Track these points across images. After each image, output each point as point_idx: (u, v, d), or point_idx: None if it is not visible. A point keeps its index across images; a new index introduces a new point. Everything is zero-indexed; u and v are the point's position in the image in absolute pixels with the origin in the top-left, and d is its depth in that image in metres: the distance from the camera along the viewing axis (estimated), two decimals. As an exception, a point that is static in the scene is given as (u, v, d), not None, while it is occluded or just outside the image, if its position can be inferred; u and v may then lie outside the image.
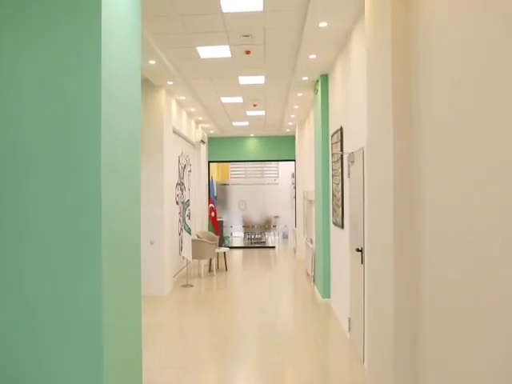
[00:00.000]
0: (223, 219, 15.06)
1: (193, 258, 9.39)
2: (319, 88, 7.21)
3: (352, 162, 5.00)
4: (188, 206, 8.58)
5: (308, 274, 9.11)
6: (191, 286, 8.50)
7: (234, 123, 12.15)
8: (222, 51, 6.15)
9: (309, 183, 9.68)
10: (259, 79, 7.73)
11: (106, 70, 2.64)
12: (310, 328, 5.89)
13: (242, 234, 15.84)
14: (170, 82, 7.41)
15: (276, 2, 4.68)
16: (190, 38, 5.64)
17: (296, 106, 9.61)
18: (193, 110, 9.84)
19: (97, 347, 2.54)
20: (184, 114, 9.80)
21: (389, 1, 2.94)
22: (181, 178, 9.23)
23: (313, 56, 6.09)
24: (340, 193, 5.83)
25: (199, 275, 9.44)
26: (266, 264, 11.78)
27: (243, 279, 9.57)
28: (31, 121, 2.58)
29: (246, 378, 4.58)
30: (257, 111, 10.56)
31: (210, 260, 9.95)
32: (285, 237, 16.39)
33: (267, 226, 15.66)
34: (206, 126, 12.12)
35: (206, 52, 6.18)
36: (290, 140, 13.76)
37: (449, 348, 2.30)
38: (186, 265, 8.86)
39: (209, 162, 14.31)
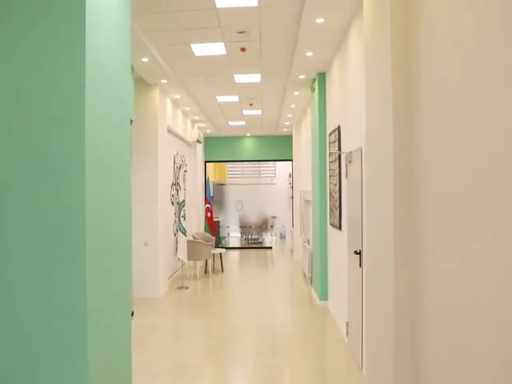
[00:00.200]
0: (220, 219, 14.91)
1: (188, 259, 9.23)
2: (316, 86, 7.06)
3: (350, 161, 4.86)
4: (183, 206, 8.42)
5: (305, 276, 8.97)
6: (186, 287, 8.34)
7: (231, 123, 12.00)
8: (216, 48, 6.00)
9: (306, 183, 9.53)
10: (255, 77, 7.58)
11: (92, 61, 2.49)
12: (307, 332, 5.75)
13: (239, 235, 15.69)
14: (164, 81, 7.26)
15: (271, -4, 4.54)
16: (183, 35, 5.49)
17: (293, 105, 9.46)
18: (188, 109, 9.68)
19: (81, 348, 2.40)
20: (179, 113, 9.65)
21: (388, -7, 2.80)
22: (176, 178, 9.08)
23: (310, 53, 5.94)
24: (337, 193, 5.68)
25: (195, 276, 9.28)
26: (262, 265, 11.63)
27: (239, 281, 9.42)
28: (8, 113, 2.42)
29: (241, 385, 4.44)
30: (253, 110, 10.41)
31: (206, 261, 9.80)
32: (282, 237, 16.25)
33: (264, 226, 15.51)
34: (203, 125, 11.96)
35: (200, 49, 6.03)
36: (287, 140, 13.60)
37: (449, 349, 2.23)
38: (181, 266, 8.70)
39: (205, 161, 14.17)
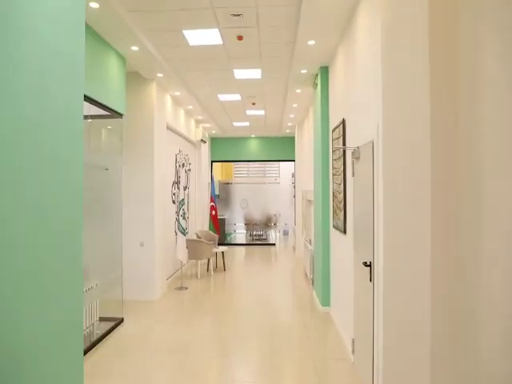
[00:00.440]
0: (226, 217, 13.90)
1: (190, 258, 8.22)
2: (319, 82, 5.99)
3: (357, 158, 3.79)
4: (182, 205, 7.38)
5: (306, 275, 7.91)
6: (186, 288, 7.32)
7: (235, 123, 10.97)
8: (211, 36, 4.96)
9: (308, 183, 8.46)
10: (255, 73, 6.53)
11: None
12: (308, 346, 4.68)
13: (245, 231, 14.69)
14: (161, 75, 6.22)
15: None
16: (173, 18, 4.45)
17: (295, 105, 8.39)
18: (190, 107, 8.64)
19: None
20: (181, 111, 8.61)
21: None
22: (178, 176, 8.04)
23: (312, 42, 4.87)
24: (342, 194, 4.62)
25: (196, 276, 8.26)
26: (265, 262, 10.57)
27: (241, 280, 8.37)
28: None
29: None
30: (256, 110, 9.36)
31: (208, 260, 8.76)
32: (285, 233, 15.26)
33: (268, 223, 14.48)
34: (208, 125, 10.93)
35: (194, 37, 4.99)
36: (289, 141, 12.58)
37: None
38: (181, 267, 7.67)
39: (212, 161, 13.17)
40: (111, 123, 5.53)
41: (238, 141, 13.11)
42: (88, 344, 4.55)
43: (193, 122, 9.86)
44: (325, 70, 5.84)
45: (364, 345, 3.59)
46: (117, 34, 4.71)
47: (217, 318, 5.85)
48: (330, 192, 5.61)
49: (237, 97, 8.02)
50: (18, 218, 1.84)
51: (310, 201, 7.82)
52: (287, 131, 11.95)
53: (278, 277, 8.62)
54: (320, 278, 5.88)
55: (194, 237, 9.44)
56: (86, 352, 4.45)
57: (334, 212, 5.15)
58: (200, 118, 9.82)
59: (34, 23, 1.96)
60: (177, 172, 8.13)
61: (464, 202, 1.69)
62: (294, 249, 11.46)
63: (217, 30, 4.76)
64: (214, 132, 12.01)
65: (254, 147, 13.17)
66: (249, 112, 9.53)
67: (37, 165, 1.99)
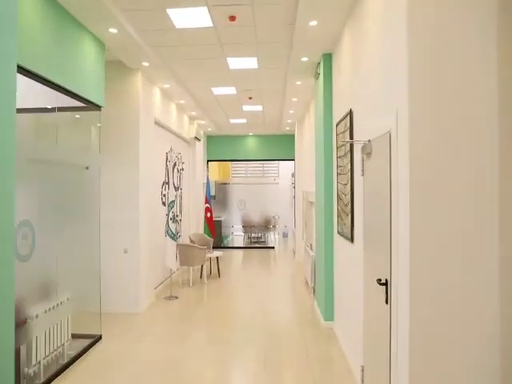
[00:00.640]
0: (223, 219, 13.30)
1: (181, 264, 7.62)
2: (321, 71, 5.40)
3: (368, 153, 3.19)
4: (172, 207, 6.79)
5: (307, 282, 7.32)
6: (176, 297, 6.72)
7: (232, 120, 10.38)
8: (200, 17, 4.36)
9: (308, 183, 7.86)
10: (251, 62, 5.93)
11: None
12: (309, 368, 4.08)
13: (242, 234, 14.08)
14: (146, 63, 5.62)
15: None
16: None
17: (295, 99, 7.79)
18: (183, 102, 8.04)
19: None
20: (173, 106, 8.02)
21: None
22: (169, 176, 7.46)
23: (314, 22, 4.28)
24: (348, 195, 4.03)
25: (188, 283, 7.65)
26: (263, 267, 9.97)
27: (236, 288, 7.76)
28: None
29: None
30: (253, 106, 8.77)
31: (202, 266, 8.16)
32: (285, 236, 14.67)
33: (267, 225, 13.86)
34: (202, 122, 10.34)
35: (180, 18, 4.39)
36: (289, 139, 11.99)
37: None
38: (171, 274, 7.07)
39: (208, 160, 12.58)
40: (88, 116, 4.93)
41: (236, 139, 12.54)
42: (57, 368, 3.95)
43: (186, 119, 9.26)
44: (328, 58, 5.25)
45: (378, 376, 3.00)
46: (91, 14, 4.12)
47: (208, 332, 5.26)
48: (334, 193, 5.01)
49: (232, 90, 7.42)
50: None
51: (311, 202, 7.23)
52: (287, 128, 11.35)
53: (277, 284, 8.02)
54: (323, 289, 5.28)
55: (187, 240, 8.85)
56: (55, 376, 3.86)
57: (339, 216, 4.55)
58: (194, 114, 9.22)
59: None
60: (167, 171, 7.54)
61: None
62: (294, 252, 10.86)
63: (205, 8, 4.16)
64: (209, 130, 11.42)
65: (251, 146, 12.59)
66: (246, 108, 8.94)
67: None
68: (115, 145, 5.73)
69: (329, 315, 5.17)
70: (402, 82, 2.32)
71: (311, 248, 6.95)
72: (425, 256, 2.02)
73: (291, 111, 8.98)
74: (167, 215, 6.73)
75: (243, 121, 10.45)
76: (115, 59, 5.50)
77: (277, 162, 13.76)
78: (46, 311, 3.79)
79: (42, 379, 3.70)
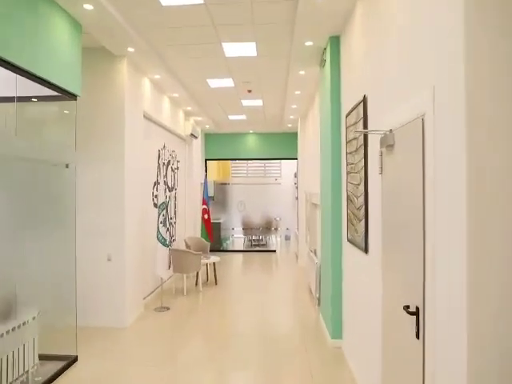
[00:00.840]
0: (222, 221, 12.67)
1: (175, 271, 7.03)
2: (327, 57, 4.79)
3: (390, 146, 2.58)
4: (162, 210, 6.19)
5: (311, 291, 6.71)
6: (167, 308, 6.11)
7: (230, 116, 9.78)
8: (188, -10, 3.78)
9: (312, 184, 7.24)
10: (250, 49, 5.33)
11: None
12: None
13: (243, 236, 13.46)
14: (132, 49, 5.02)
15: None
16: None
17: (298, 92, 7.18)
18: (176, 95, 7.44)
19: None
20: (166, 100, 7.41)
21: None
22: (162, 175, 6.85)
23: (321, -4, 3.68)
24: (362, 197, 3.42)
25: (182, 292, 7.05)
26: (264, 273, 9.36)
27: (234, 298, 7.15)
28: None
29: None
30: (253, 100, 8.17)
31: (197, 272, 7.55)
32: (287, 239, 14.06)
33: (268, 227, 13.23)
34: (200, 119, 9.74)
35: (165, -8, 3.81)
36: (292, 137, 11.35)
37: None
38: (162, 283, 6.47)
39: (206, 159, 12.00)
40: (60, 106, 4.34)
41: (235, 137, 11.95)
42: (19, 400, 3.37)
43: (181, 114, 8.66)
44: (335, 41, 4.63)
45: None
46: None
47: (201, 351, 4.65)
48: (342, 195, 4.40)
49: (229, 82, 6.83)
50: None
51: (314, 204, 6.62)
52: (289, 125, 10.74)
53: (279, 292, 7.41)
54: (329, 303, 4.66)
55: (183, 244, 8.25)
56: (16, 410, 3.27)
57: (350, 221, 3.94)
58: (189, 109, 8.62)
59: None
60: (159, 170, 6.94)
61: None
62: (297, 256, 10.25)
63: (194, -22, 3.57)
64: (207, 127, 10.82)
65: (252, 144, 11.99)
66: (245, 102, 8.34)
67: None
68: (98, 140, 5.14)
69: (337, 333, 4.56)
70: (450, 46, 1.71)
71: (315, 254, 6.34)
72: (489, 275, 1.41)
73: (294, 106, 8.37)
74: (157, 218, 6.13)
75: (243, 117, 9.86)
76: (98, 46, 4.91)
77: (279, 161, 13.17)
78: (2, 335, 3.19)
79: (-1, 416, 3.12)
